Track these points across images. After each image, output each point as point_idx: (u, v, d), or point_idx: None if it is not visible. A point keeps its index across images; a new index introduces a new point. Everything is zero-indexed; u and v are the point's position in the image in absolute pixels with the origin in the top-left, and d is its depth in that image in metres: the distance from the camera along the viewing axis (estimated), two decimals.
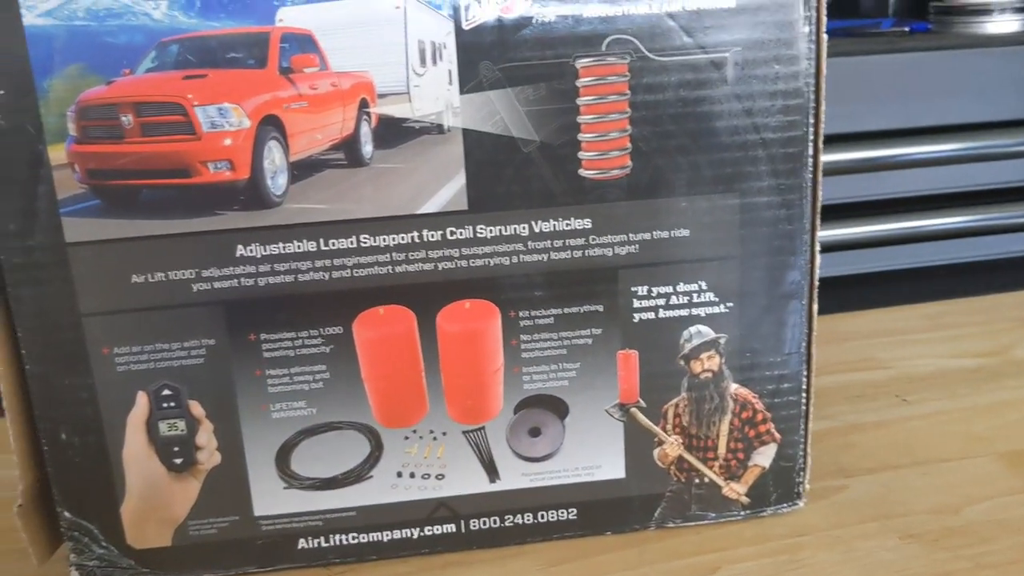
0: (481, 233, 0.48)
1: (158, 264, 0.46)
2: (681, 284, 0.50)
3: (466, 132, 0.46)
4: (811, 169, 0.49)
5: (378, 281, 0.48)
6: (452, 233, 0.47)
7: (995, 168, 1.03)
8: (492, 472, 0.52)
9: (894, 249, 1.01)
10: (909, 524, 0.53)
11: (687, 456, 0.53)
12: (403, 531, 0.52)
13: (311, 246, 0.47)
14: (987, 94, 1.02)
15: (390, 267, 0.47)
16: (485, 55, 0.45)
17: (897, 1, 1.25)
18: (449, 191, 0.47)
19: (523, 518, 0.53)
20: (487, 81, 0.45)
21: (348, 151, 0.46)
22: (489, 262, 0.48)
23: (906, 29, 1.15)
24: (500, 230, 0.48)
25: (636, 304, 0.50)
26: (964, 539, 0.51)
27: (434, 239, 0.47)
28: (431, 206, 0.47)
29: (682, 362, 0.51)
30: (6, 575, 0.52)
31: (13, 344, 0.47)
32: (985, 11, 1.12)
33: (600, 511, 0.53)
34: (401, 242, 0.47)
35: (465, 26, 0.44)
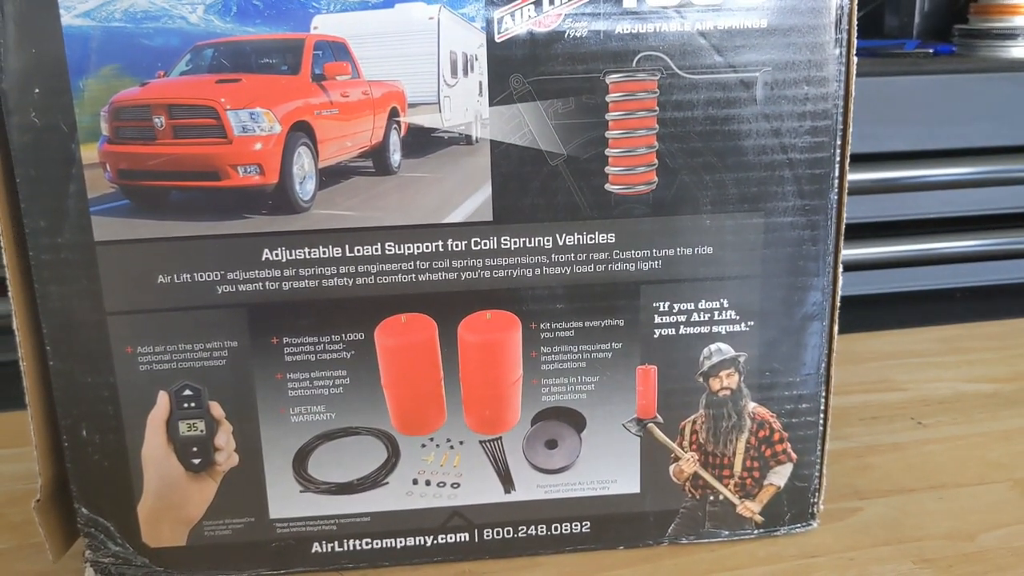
0: (505, 244, 0.48)
1: (184, 265, 0.46)
2: (703, 301, 0.50)
3: (494, 144, 0.46)
4: (836, 191, 0.49)
5: (401, 289, 0.48)
6: (476, 244, 0.48)
7: (1017, 192, 1.02)
8: (507, 483, 0.52)
9: (912, 270, 1.01)
10: (923, 549, 0.53)
11: (703, 473, 0.53)
12: (417, 538, 0.52)
13: (336, 252, 0.47)
14: (1010, 118, 1.02)
15: (414, 275, 0.48)
16: (516, 68, 0.45)
17: (922, 23, 1.25)
18: (475, 202, 0.47)
19: (537, 529, 0.53)
20: (517, 94, 0.45)
21: (377, 159, 0.46)
22: (512, 273, 0.48)
23: (930, 51, 1.15)
24: (524, 242, 0.48)
25: (657, 320, 0.50)
26: (979, 566, 0.51)
27: (458, 249, 0.48)
28: (456, 216, 0.47)
29: (701, 379, 0.51)
30: (22, 569, 0.52)
31: (38, 340, 0.47)
32: (1010, 35, 1.12)
33: (614, 525, 0.53)
34: (425, 251, 0.47)
35: (497, 39, 0.45)
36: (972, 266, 1.03)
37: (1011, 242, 1.03)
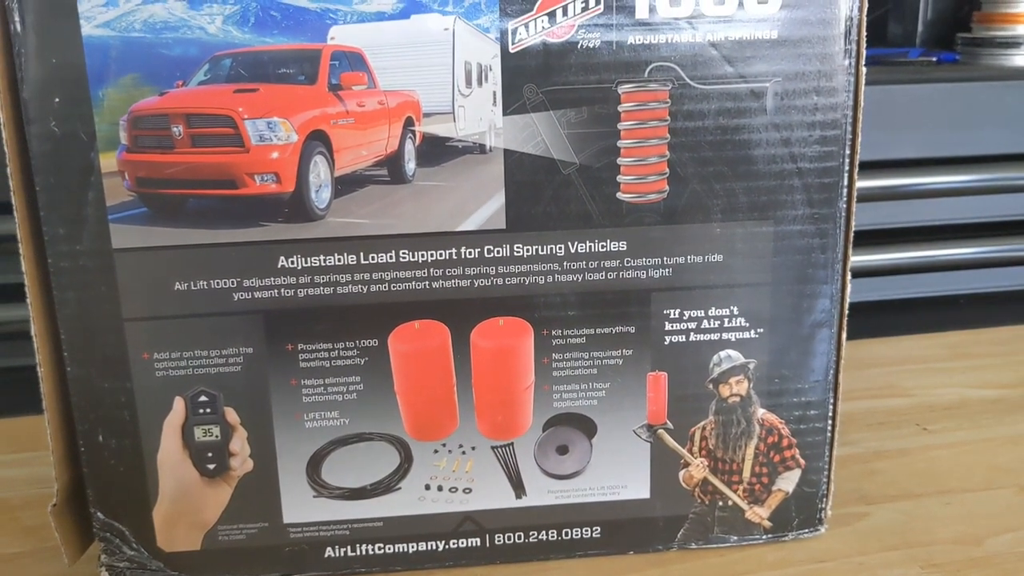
0: (518, 252, 0.48)
1: (201, 272, 0.47)
2: (713, 308, 0.50)
3: (507, 153, 0.47)
4: (845, 199, 0.49)
5: (415, 296, 0.48)
6: (490, 251, 0.48)
7: (1021, 199, 1.03)
8: (519, 488, 0.52)
9: (917, 277, 1.01)
10: (931, 553, 0.53)
11: (712, 479, 0.53)
12: (429, 543, 0.53)
13: (351, 259, 0.47)
14: (1014, 125, 1.02)
15: (427, 282, 0.48)
16: (529, 78, 0.46)
17: (925, 31, 1.25)
18: (488, 210, 0.47)
19: (548, 535, 0.53)
20: (530, 103, 0.46)
21: (392, 168, 0.47)
22: (525, 281, 0.49)
23: (933, 59, 1.15)
24: (537, 250, 0.48)
25: (668, 327, 0.50)
26: (987, 570, 0.52)
27: (472, 256, 0.48)
28: (470, 224, 0.47)
29: (711, 386, 0.52)
30: (38, 572, 0.53)
31: (55, 346, 0.48)
32: (1013, 44, 1.12)
33: (624, 530, 0.53)
34: (439, 258, 0.48)
35: (511, 49, 0.45)
36: (977, 272, 1.03)
37: (1015, 249, 1.03)
